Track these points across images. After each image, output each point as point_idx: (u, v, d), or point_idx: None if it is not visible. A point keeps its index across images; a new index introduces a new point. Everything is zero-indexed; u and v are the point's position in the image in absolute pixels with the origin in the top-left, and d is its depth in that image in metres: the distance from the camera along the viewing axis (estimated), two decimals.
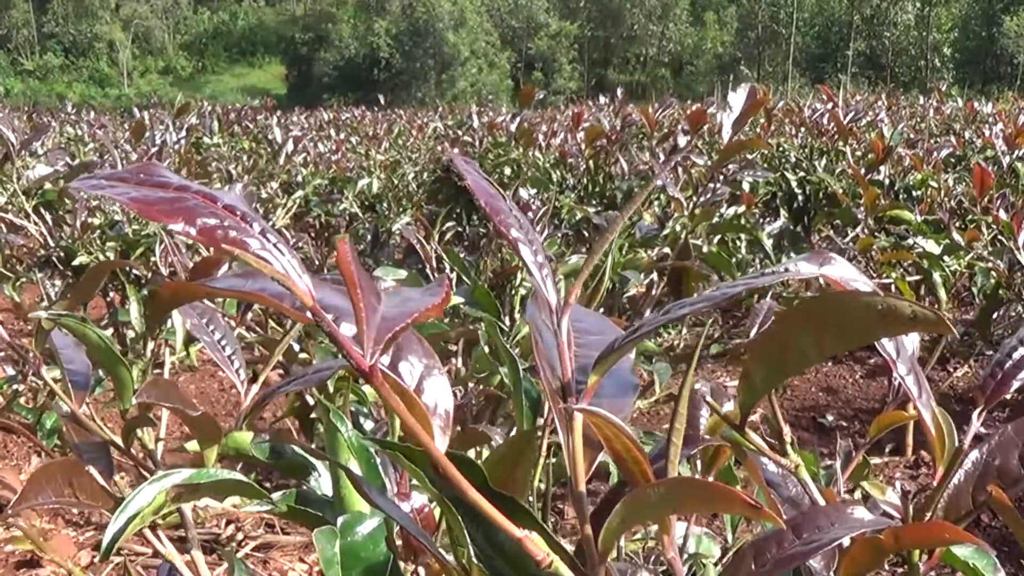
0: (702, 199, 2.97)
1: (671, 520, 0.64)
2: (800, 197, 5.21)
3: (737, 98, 2.92)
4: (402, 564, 1.03)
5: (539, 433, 1.19)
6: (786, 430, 0.86)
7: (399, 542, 1.02)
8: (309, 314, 0.52)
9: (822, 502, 0.84)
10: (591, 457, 0.67)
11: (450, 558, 0.78)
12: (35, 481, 1.03)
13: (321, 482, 1.15)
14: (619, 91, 7.64)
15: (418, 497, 1.04)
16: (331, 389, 1.95)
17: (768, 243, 3.65)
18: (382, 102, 19.06)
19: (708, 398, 1.05)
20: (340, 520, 1.01)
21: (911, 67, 70.60)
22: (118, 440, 1.22)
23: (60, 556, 3.00)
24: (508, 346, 1.35)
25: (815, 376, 5.14)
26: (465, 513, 0.63)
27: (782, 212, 5.12)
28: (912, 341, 0.90)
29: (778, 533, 0.66)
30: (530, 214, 3.29)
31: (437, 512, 1.03)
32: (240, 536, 3.13)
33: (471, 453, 2.09)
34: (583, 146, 4.92)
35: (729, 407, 1.09)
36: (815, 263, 0.71)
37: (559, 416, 0.65)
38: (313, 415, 2.18)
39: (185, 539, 1.26)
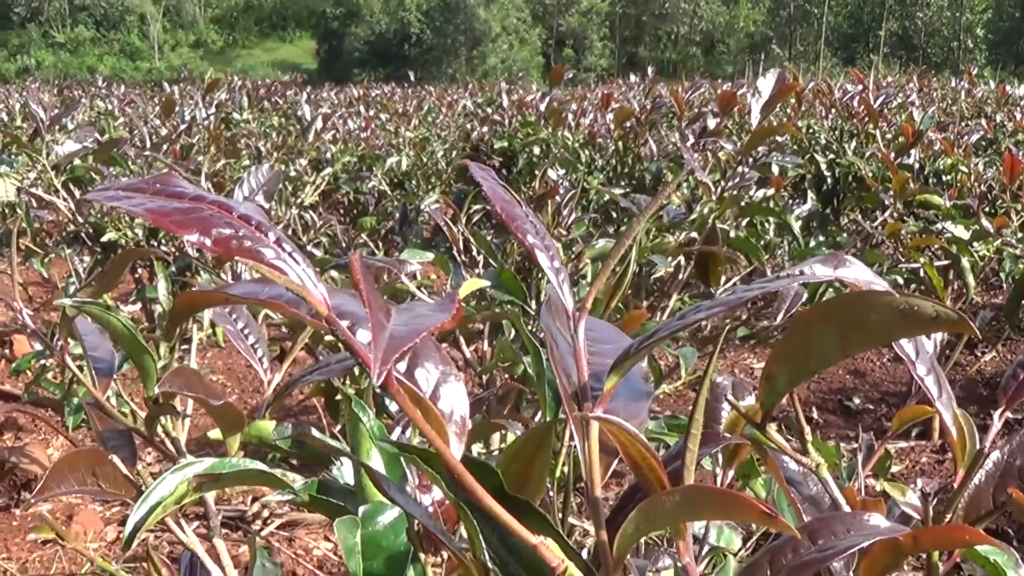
0: (730, 184, 2.96)
1: (686, 527, 0.64)
2: (829, 180, 5.19)
3: (766, 83, 2.91)
4: (423, 555, 1.03)
5: (559, 428, 1.19)
6: (807, 429, 0.85)
7: (421, 533, 1.03)
8: (325, 322, 0.53)
9: (843, 501, 0.84)
10: (607, 463, 0.67)
11: (470, 555, 0.78)
12: (58, 470, 1.04)
13: (343, 470, 1.15)
14: (649, 70, 7.61)
15: (439, 491, 1.04)
16: (356, 371, 1.96)
17: (796, 226, 3.64)
18: (412, 78, 19.06)
19: (729, 395, 1.05)
20: (361, 510, 1.01)
21: (943, 48, 70.10)
22: (142, 428, 1.23)
23: (84, 528, 3.02)
24: (533, 331, 1.35)
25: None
26: (481, 517, 0.64)
27: (810, 195, 5.10)
28: (930, 340, 0.90)
29: (794, 539, 0.66)
30: (558, 196, 3.29)
31: None
32: (266, 514, 3.14)
33: (495, 437, 2.09)
34: (612, 127, 4.90)
35: (750, 400, 1.09)
36: (830, 265, 0.70)
37: (575, 423, 0.65)
38: (338, 397, 2.19)
39: (210, 532, 1.26)
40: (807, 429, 0.85)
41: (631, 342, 0.70)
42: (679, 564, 0.66)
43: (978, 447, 0.81)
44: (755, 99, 2.86)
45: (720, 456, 1.07)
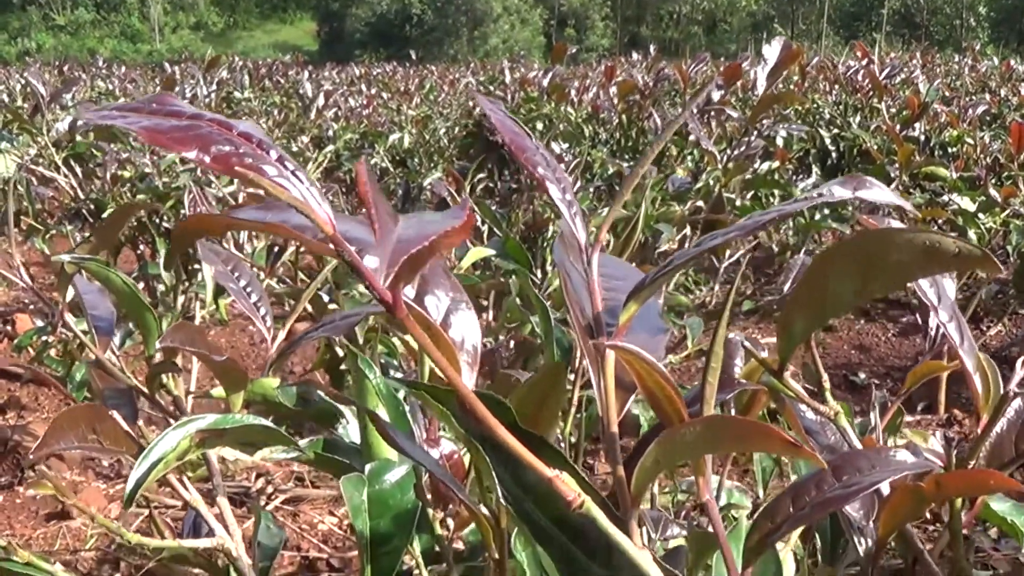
0: (736, 152, 2.93)
1: (706, 461, 0.62)
2: (833, 154, 5.16)
3: (772, 50, 2.90)
4: (431, 512, 1.01)
5: (569, 379, 1.17)
6: (825, 377, 0.83)
7: (428, 491, 1.01)
8: (331, 245, 0.50)
9: (860, 447, 0.82)
10: (623, 399, 0.65)
11: (481, 508, 0.76)
12: (57, 426, 1.02)
13: (349, 430, 1.13)
14: (652, 48, 7.60)
15: (447, 444, 1.02)
16: (360, 340, 1.94)
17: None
18: (414, 58, 19.00)
19: (746, 343, 1.03)
20: (368, 468, 0.99)
21: (946, 26, 69.83)
22: (143, 386, 1.21)
23: (86, 505, 3.00)
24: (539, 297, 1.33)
25: (847, 334, 5.10)
26: (493, 453, 0.61)
27: (814, 169, 5.08)
28: (953, 288, 0.88)
29: (817, 476, 0.64)
30: (562, 167, 3.27)
31: (467, 459, 1.01)
32: (270, 490, 3.12)
33: None
34: (615, 101, 4.88)
35: (762, 355, 1.07)
36: (849, 187, 0.67)
37: (589, 355, 0.63)
38: (343, 366, 2.17)
39: (213, 490, 1.24)
40: (825, 377, 0.83)
41: (645, 275, 0.68)
42: (693, 514, 0.64)
43: (1002, 391, 0.79)
44: (761, 67, 2.85)
45: (733, 411, 1.05)
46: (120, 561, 2.63)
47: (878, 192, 0.67)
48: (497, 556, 0.78)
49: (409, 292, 0.72)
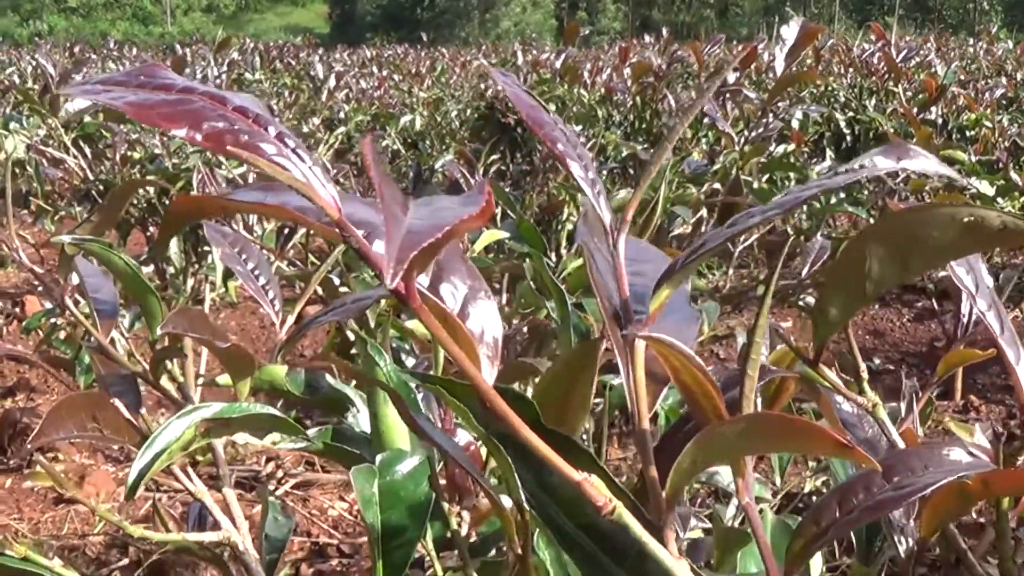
0: (753, 134, 2.89)
1: (747, 461, 0.57)
2: (848, 137, 5.12)
3: (790, 30, 2.86)
4: (447, 506, 0.97)
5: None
6: (862, 367, 0.79)
7: (443, 484, 0.97)
8: (337, 229, 0.46)
9: (901, 444, 0.78)
10: (654, 392, 0.60)
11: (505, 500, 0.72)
12: (56, 414, 0.98)
13: (359, 418, 1.09)
14: (664, 31, 7.57)
15: (463, 435, 0.98)
16: (372, 324, 1.90)
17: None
18: (425, 41, 18.98)
19: (780, 328, 0.99)
20: (379, 458, 0.95)
21: (959, 10, 69.59)
22: (148, 373, 1.17)
23: (96, 490, 2.98)
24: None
25: (861, 319, 5.06)
26: (515, 453, 0.57)
27: (829, 152, 5.04)
28: (989, 275, 0.84)
29: (865, 477, 0.60)
30: (582, 141, 3.23)
31: (484, 450, 0.97)
32: (280, 474, 3.10)
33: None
34: (629, 82, 4.83)
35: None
36: (892, 156, 0.63)
37: (618, 345, 0.59)
38: (353, 351, 2.13)
39: (219, 481, 1.20)
40: (863, 367, 0.79)
41: (675, 258, 0.64)
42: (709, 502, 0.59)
43: None
44: (779, 47, 2.81)
45: (759, 400, 1.01)
46: (128, 546, 2.61)
47: (924, 162, 0.62)
48: (520, 551, 0.74)
49: (423, 280, 0.68)
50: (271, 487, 3.02)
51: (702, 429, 0.55)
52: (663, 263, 0.64)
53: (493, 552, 1.07)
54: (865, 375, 0.79)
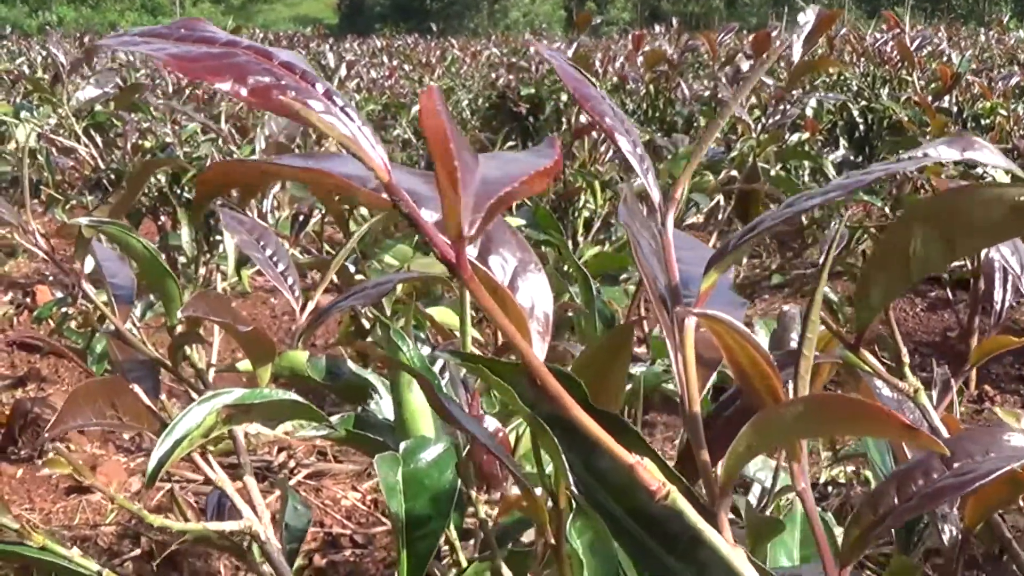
0: (770, 121, 2.87)
1: (802, 445, 0.55)
2: (861, 126, 5.09)
3: (806, 17, 2.85)
4: (475, 494, 0.95)
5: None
6: (904, 351, 0.77)
7: (475, 469, 0.95)
8: (384, 195, 0.44)
9: (944, 430, 0.76)
10: (704, 376, 0.58)
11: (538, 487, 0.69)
12: (74, 401, 0.95)
13: (382, 405, 1.07)
14: (674, 20, 7.57)
15: (491, 421, 0.95)
16: (388, 312, 1.88)
17: (832, 171, 3.56)
18: (435, 31, 18.96)
19: (799, 321, 0.97)
20: (403, 445, 0.93)
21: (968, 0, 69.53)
22: (165, 359, 1.14)
23: (108, 480, 2.96)
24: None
25: None
26: (563, 435, 0.55)
27: (842, 141, 5.01)
28: None
29: (924, 463, 0.57)
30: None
31: (512, 438, 0.95)
32: (292, 464, 3.08)
33: None
34: (643, 71, 4.81)
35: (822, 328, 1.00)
36: (957, 147, 0.61)
37: (666, 326, 0.56)
38: (369, 339, 2.11)
39: (237, 466, 1.18)
40: (904, 351, 0.76)
41: (708, 249, 0.61)
42: (796, 489, 0.57)
43: None
44: (796, 34, 2.80)
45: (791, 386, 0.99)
46: (140, 536, 2.59)
47: (987, 154, 0.60)
48: (554, 541, 0.72)
49: (470, 251, 0.65)
50: (283, 476, 3.01)
51: (756, 412, 0.52)
52: (702, 249, 0.62)
53: (509, 544, 1.05)
54: (907, 359, 0.77)
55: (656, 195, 0.57)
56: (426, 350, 1.68)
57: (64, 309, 3.07)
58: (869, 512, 0.57)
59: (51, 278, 4.61)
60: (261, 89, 0.43)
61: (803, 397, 0.51)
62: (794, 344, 0.97)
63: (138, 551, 2.55)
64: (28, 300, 4.62)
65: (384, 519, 2.73)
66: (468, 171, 0.39)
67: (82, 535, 2.77)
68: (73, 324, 3.14)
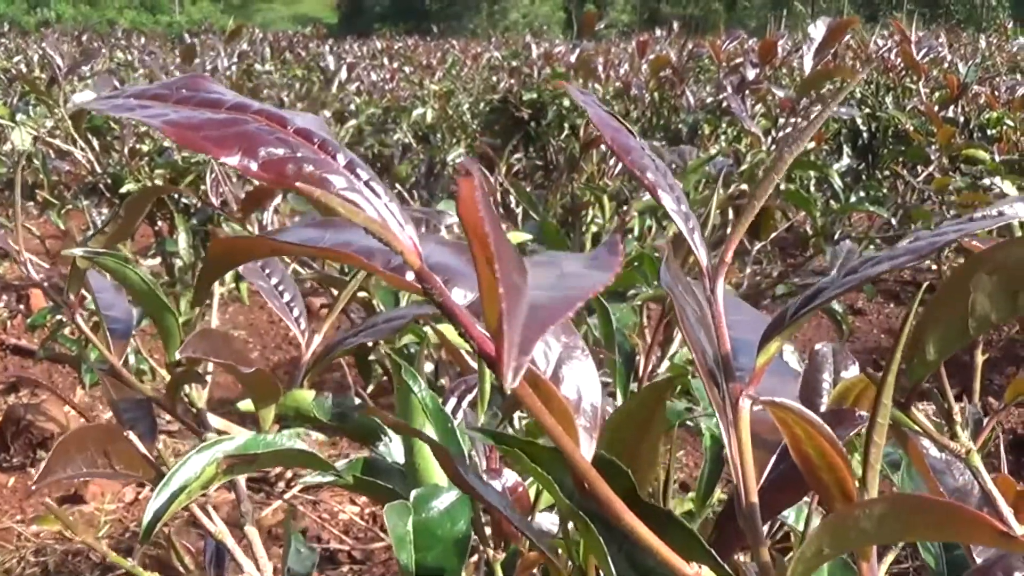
0: (781, 134, 2.82)
1: (872, 546, 0.50)
2: (865, 135, 5.06)
3: (818, 29, 2.82)
4: (490, 552, 0.90)
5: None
6: (955, 408, 0.72)
7: (491, 524, 0.90)
8: (411, 276, 0.38)
9: (998, 495, 0.70)
10: (761, 461, 0.53)
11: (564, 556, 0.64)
12: (63, 451, 0.90)
13: (392, 447, 1.02)
14: (675, 24, 7.54)
15: (510, 474, 0.90)
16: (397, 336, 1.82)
17: (838, 182, 3.52)
18: (435, 32, 18.95)
19: (831, 363, 0.91)
20: (414, 494, 0.88)
21: (966, 5, 69.51)
22: (162, 396, 1.09)
23: (101, 491, 2.92)
24: None
25: (877, 318, 5.01)
26: (606, 531, 0.50)
27: (846, 150, 4.98)
28: None
29: (1004, 559, 0.52)
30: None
31: (532, 491, 0.90)
32: (289, 475, 3.04)
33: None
34: (644, 77, 4.77)
35: (854, 371, 0.95)
36: None
37: (717, 404, 0.51)
38: (371, 356, 2.06)
39: (241, 519, 1.13)
40: (956, 408, 0.71)
41: (760, 314, 0.56)
42: None
43: None
44: (807, 45, 2.76)
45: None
46: (133, 550, 2.56)
47: None
48: None
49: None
50: (279, 489, 2.97)
51: (810, 488, 0.47)
52: (755, 316, 0.57)
53: None
54: (959, 418, 0.72)
55: (704, 258, 0.52)
56: (429, 367, 1.64)
57: (59, 316, 3.03)
58: None
59: (46, 283, 4.57)
60: (274, 163, 0.37)
61: (887, 498, 0.46)
62: (826, 386, 0.92)
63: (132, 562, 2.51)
64: (21, 306, 4.58)
65: (383, 534, 2.69)
66: (515, 297, 0.33)
67: (74, 549, 2.73)
68: (67, 331, 3.10)
